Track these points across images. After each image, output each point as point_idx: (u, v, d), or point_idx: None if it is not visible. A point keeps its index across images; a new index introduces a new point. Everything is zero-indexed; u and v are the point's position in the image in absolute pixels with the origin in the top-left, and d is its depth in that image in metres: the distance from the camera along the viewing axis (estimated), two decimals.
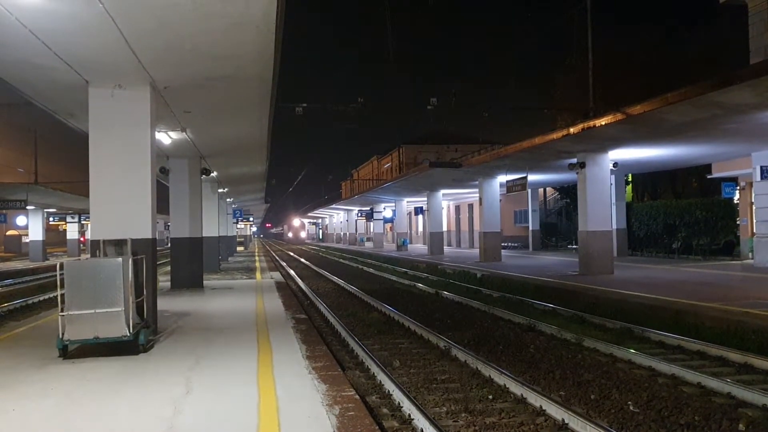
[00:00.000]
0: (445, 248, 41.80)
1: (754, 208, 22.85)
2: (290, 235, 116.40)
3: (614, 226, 26.42)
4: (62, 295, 8.86)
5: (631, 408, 7.32)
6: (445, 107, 22.67)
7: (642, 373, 8.92)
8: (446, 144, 64.67)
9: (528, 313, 14.43)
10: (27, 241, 47.51)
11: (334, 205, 72.25)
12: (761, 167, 21.05)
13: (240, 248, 62.26)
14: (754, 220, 22.72)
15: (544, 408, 7.15)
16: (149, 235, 10.31)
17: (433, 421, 6.49)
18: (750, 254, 23.31)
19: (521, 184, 25.79)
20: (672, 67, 34.12)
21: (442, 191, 38.47)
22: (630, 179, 36.02)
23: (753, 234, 23.04)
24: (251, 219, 76.27)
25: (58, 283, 9.01)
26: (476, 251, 32.82)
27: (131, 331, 8.85)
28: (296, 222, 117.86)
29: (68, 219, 47.26)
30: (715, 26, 33.43)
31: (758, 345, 10.04)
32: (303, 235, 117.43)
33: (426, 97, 21.56)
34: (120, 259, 9.06)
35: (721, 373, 8.80)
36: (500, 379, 8.40)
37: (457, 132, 63.66)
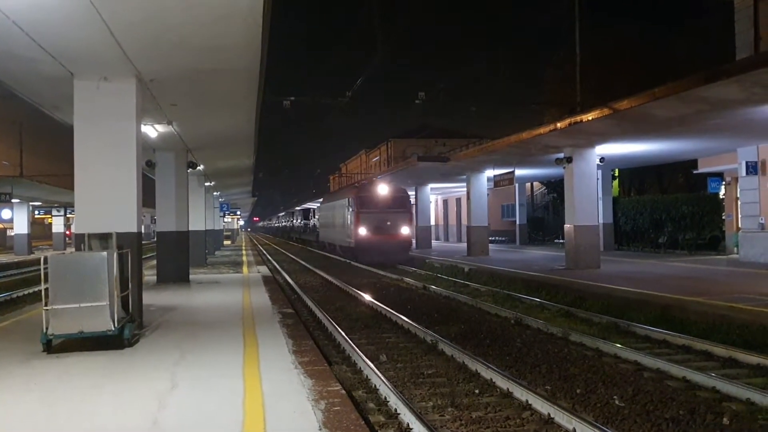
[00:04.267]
0: (433, 242, 41.79)
1: (739, 203, 23.01)
2: (361, 231, 29.84)
3: (601, 221, 26.54)
4: (46, 289, 8.77)
5: (617, 402, 7.35)
6: (433, 101, 22.63)
7: (628, 368, 8.96)
8: (434, 138, 64.70)
9: (515, 307, 14.47)
10: (12, 234, 47.12)
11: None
12: (747, 162, 21.18)
13: (227, 242, 62.03)
14: (740, 215, 22.89)
15: (530, 402, 7.17)
16: (134, 229, 10.23)
17: (419, 416, 6.49)
18: (735, 249, 23.48)
19: (509, 178, 25.87)
20: (660, 62, 34.27)
21: (430, 185, 38.47)
22: (617, 174, 36.15)
23: (738, 229, 23.21)
24: (238, 213, 76.09)
25: (42, 276, 8.93)
26: (464, 245, 32.84)
27: (116, 325, 8.78)
28: (382, 189, 30.78)
29: (54, 212, 46.91)
30: (702, 22, 33.60)
31: (743, 339, 10.12)
32: (405, 231, 30.15)
33: (414, 91, 21.51)
34: (105, 252, 8.98)
35: (706, 367, 8.86)
36: (487, 373, 8.41)
37: (445, 126, 63.76)
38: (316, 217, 51.82)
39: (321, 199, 51.50)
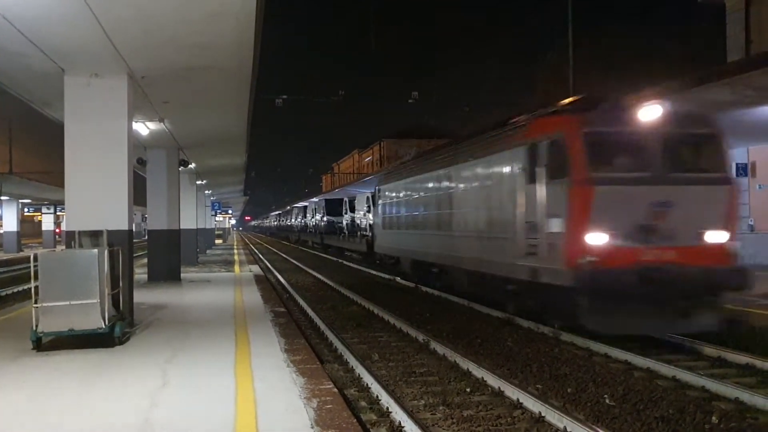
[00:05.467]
0: None
1: None
2: (594, 240, 9.18)
3: None
4: (36, 287, 8.73)
5: (607, 401, 7.37)
6: (426, 101, 22.71)
7: (618, 367, 8.99)
8: (427, 139, 64.72)
9: (505, 307, 14.44)
10: (1, 232, 46.84)
11: (314, 199, 71.99)
12: (737, 164, 21.33)
13: (219, 241, 61.92)
14: None
15: (521, 401, 7.18)
16: (126, 227, 10.20)
17: (410, 414, 6.50)
18: None
19: None
20: (653, 64, 34.46)
21: None
22: None
23: None
24: (230, 211, 75.87)
25: (32, 274, 8.88)
26: None
27: (107, 323, 8.75)
28: (654, 112, 9.56)
29: (44, 210, 46.65)
30: (695, 25, 33.84)
31: (733, 340, 10.17)
32: (721, 239, 9.82)
33: (407, 91, 21.57)
34: (95, 250, 8.96)
35: (695, 366, 8.90)
36: (478, 372, 8.42)
37: (438, 126, 63.81)
38: (372, 206, 28.82)
39: (379, 174, 30.06)
